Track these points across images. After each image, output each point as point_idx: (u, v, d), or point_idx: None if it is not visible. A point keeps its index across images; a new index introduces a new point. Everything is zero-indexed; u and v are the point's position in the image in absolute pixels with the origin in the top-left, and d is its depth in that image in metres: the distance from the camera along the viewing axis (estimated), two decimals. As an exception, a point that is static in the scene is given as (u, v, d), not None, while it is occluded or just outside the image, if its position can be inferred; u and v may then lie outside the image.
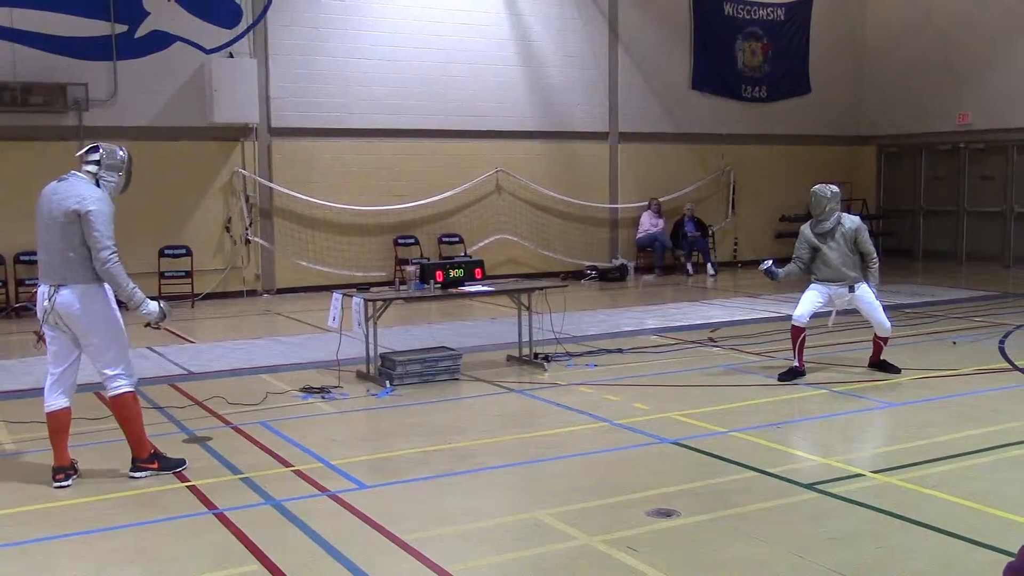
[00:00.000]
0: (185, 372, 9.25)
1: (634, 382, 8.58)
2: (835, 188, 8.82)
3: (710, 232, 18.89)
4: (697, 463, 6.25)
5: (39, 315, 5.87)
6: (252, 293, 15.28)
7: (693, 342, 10.69)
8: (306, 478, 6.00)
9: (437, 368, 8.78)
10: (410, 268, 9.25)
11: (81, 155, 5.99)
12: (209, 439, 6.91)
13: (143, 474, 6.03)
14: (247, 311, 13.85)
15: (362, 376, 8.91)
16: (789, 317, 10.12)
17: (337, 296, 8.90)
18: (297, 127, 15.45)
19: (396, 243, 16.25)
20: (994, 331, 11.08)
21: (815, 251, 8.76)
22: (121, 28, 14.18)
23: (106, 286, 5.88)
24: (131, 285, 5.92)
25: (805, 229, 8.88)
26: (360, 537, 5.01)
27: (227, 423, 7.36)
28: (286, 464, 6.29)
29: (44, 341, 5.93)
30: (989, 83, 18.66)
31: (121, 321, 6.03)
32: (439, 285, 9.02)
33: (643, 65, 18.51)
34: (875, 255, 8.79)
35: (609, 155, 18.35)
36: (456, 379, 8.80)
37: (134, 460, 6.08)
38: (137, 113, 14.33)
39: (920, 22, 19.83)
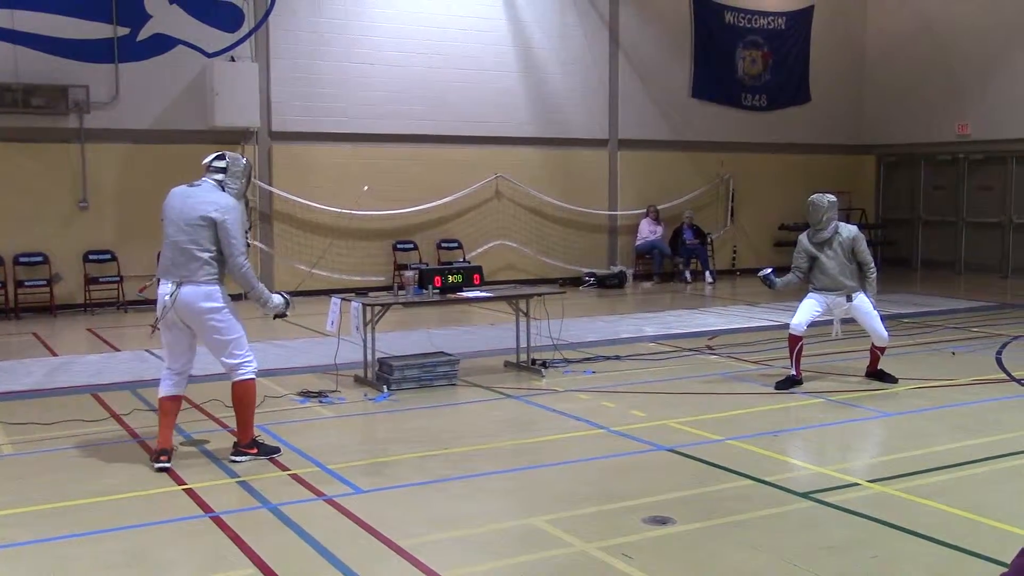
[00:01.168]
0: (183, 375, 9.24)
1: (631, 389, 8.59)
2: (832, 197, 8.83)
3: (709, 240, 18.91)
4: (693, 471, 6.26)
5: (158, 310, 6.24)
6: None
7: (691, 350, 10.70)
8: (303, 482, 6.00)
9: (435, 373, 8.79)
10: (409, 273, 9.26)
11: (208, 163, 6.44)
12: (206, 442, 6.92)
13: (244, 458, 6.38)
14: (245, 315, 13.81)
15: (360, 381, 8.92)
16: (787, 326, 10.15)
17: (336, 301, 8.90)
18: (297, 131, 15.48)
19: (395, 248, 16.27)
20: (991, 342, 11.09)
21: (813, 260, 8.78)
22: (123, 31, 14.21)
23: (222, 285, 6.27)
24: (260, 286, 6.46)
25: (803, 239, 8.90)
26: (356, 542, 5.02)
27: (224, 427, 7.35)
28: (283, 468, 6.29)
29: (158, 330, 6.35)
30: (988, 94, 18.71)
31: (237, 314, 6.40)
32: (437, 290, 9.03)
33: (643, 72, 18.54)
34: (873, 265, 8.81)
35: (608, 162, 18.38)
36: (454, 385, 8.81)
37: (236, 445, 6.45)
38: (138, 116, 14.35)
39: (920, 32, 19.88)
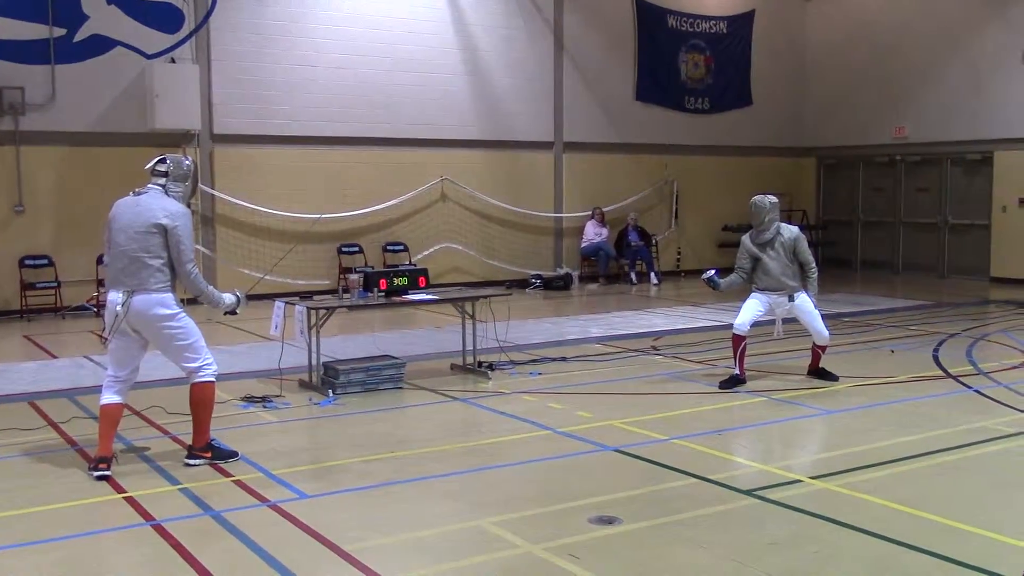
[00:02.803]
0: (123, 381, 9.08)
1: (577, 390, 8.62)
2: (774, 199, 8.95)
3: (653, 241, 19.06)
4: (639, 470, 6.30)
5: (108, 320, 6.19)
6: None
7: (636, 350, 10.77)
8: (247, 488, 5.93)
9: (380, 377, 8.74)
10: (353, 276, 9.19)
11: (151, 167, 6.37)
12: (147, 449, 6.80)
13: (198, 462, 6.35)
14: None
15: (304, 385, 8.84)
16: (731, 326, 10.22)
17: (280, 304, 8.81)
18: (240, 134, 15.30)
19: (340, 251, 16.16)
20: (929, 340, 11.32)
21: (755, 261, 8.88)
22: (60, 32, 13.94)
23: (174, 291, 6.24)
24: (209, 288, 6.42)
25: (745, 239, 9.00)
26: (301, 547, 4.96)
27: (166, 433, 7.25)
28: (226, 474, 6.21)
29: (109, 340, 6.29)
30: (925, 97, 19.11)
31: (191, 317, 6.37)
32: (383, 293, 8.98)
33: (588, 75, 18.64)
34: (814, 264, 8.94)
35: (554, 164, 18.44)
36: (400, 388, 8.77)
37: (191, 448, 6.42)
38: (76, 118, 14.08)
39: (858, 37, 20.25)
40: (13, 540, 5.09)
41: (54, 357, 10.56)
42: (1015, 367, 9.63)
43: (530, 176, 18.08)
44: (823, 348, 9.02)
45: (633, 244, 18.43)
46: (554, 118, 18.35)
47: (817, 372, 9.07)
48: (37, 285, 13.72)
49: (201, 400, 6.37)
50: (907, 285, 17.78)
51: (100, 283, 14.01)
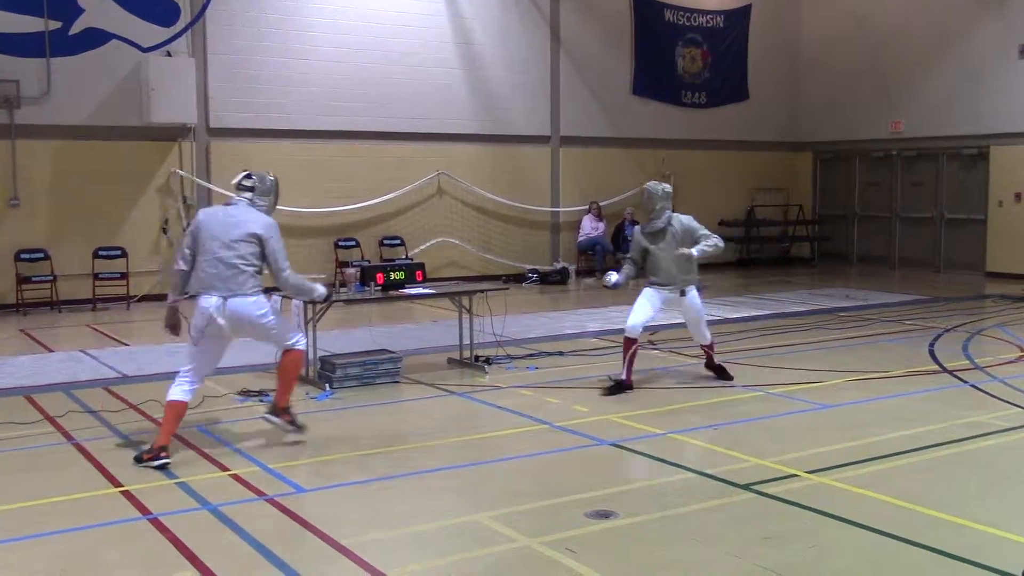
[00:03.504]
0: (120, 375, 9.09)
1: (574, 384, 8.63)
2: (668, 187, 8.56)
3: (650, 236, 19.03)
4: (636, 465, 6.31)
5: (199, 322, 6.51)
6: (190, 296, 15.02)
7: (633, 345, 10.76)
8: (243, 482, 5.93)
9: (377, 371, 8.74)
10: (350, 270, 9.19)
11: (237, 182, 6.78)
12: (143, 443, 6.78)
13: (277, 421, 6.81)
14: (184, 314, 13.60)
15: (301, 379, 8.81)
16: (726, 321, 10.30)
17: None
18: (236, 128, 15.27)
19: (336, 245, 16.14)
20: (924, 334, 11.34)
21: (645, 252, 8.53)
22: (55, 24, 13.89)
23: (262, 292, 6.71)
24: (307, 284, 6.99)
25: (637, 230, 8.68)
26: (298, 541, 4.97)
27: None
28: (223, 468, 6.21)
29: (175, 331, 6.85)
30: (921, 92, 19.11)
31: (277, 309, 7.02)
32: (379, 287, 8.98)
33: (584, 70, 18.63)
34: (717, 237, 8.50)
35: (551, 159, 18.43)
36: (396, 382, 8.77)
37: (274, 406, 6.84)
38: (71, 112, 14.04)
39: (854, 32, 20.24)
40: (9, 534, 5.09)
41: (50, 351, 10.55)
42: (1010, 362, 9.65)
43: (527, 170, 18.06)
44: (711, 348, 8.76)
45: (630, 238, 18.38)
46: (551, 112, 18.34)
47: (714, 368, 8.77)
48: (33, 279, 13.70)
49: (292, 364, 6.80)
50: (903, 280, 17.80)
51: (96, 276, 14.00)
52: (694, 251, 8.33)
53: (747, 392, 8.38)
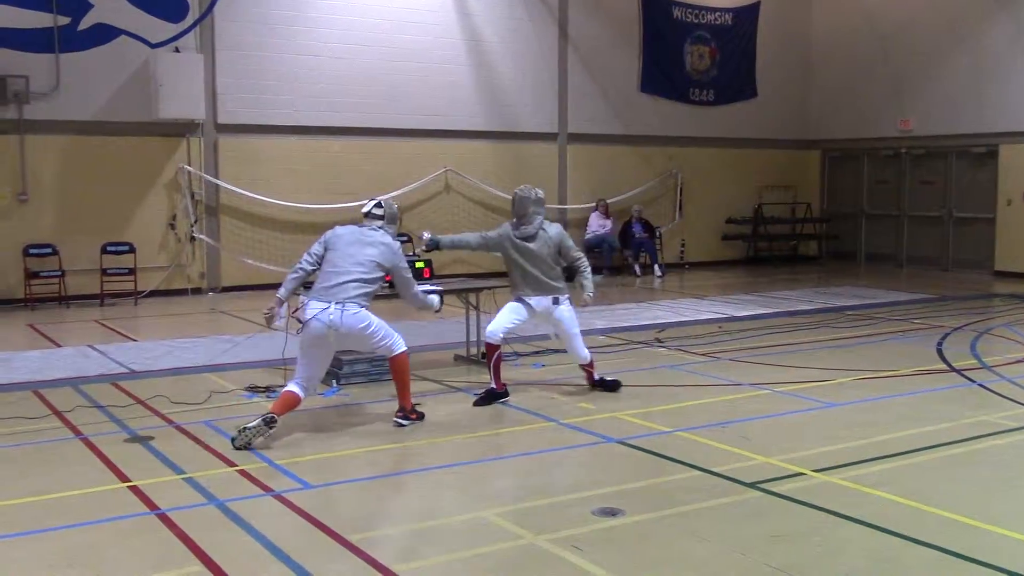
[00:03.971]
0: (127, 371, 9.11)
1: (580, 382, 8.61)
2: (541, 193, 8.17)
3: (657, 233, 19.04)
4: (642, 462, 6.31)
5: (312, 326, 6.84)
6: (197, 291, 15.09)
7: (640, 342, 10.77)
8: (250, 478, 5.94)
9: (384, 367, 8.70)
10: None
11: (368, 211, 7.34)
12: (151, 439, 6.81)
13: (408, 423, 7.15)
14: (192, 309, 13.68)
15: (308, 375, 8.83)
16: (735, 319, 10.27)
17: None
18: (244, 123, 15.28)
19: (344, 242, 16.12)
20: (932, 333, 11.31)
21: (511, 260, 8.04)
22: (64, 20, 13.91)
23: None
24: (429, 298, 7.64)
25: (507, 226, 8.13)
26: (305, 537, 4.98)
27: (170, 422, 7.26)
28: (230, 464, 6.22)
29: (274, 317, 7.08)
30: (930, 90, 19.05)
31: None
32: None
33: (592, 67, 18.60)
34: (584, 258, 8.19)
35: (558, 156, 18.41)
36: (403, 379, 8.76)
37: (401, 409, 7.21)
38: (80, 107, 14.07)
39: (864, 30, 20.19)
40: (18, 529, 5.11)
41: (58, 346, 10.58)
42: (1019, 361, 9.62)
43: (534, 167, 18.03)
44: (590, 367, 8.28)
45: (637, 236, 18.42)
46: (558, 109, 18.32)
47: (597, 383, 8.27)
48: (41, 274, 13.73)
49: (401, 368, 7.18)
50: (911, 278, 17.75)
51: (104, 272, 14.04)
52: (589, 294, 8.05)
53: (754, 390, 8.37)
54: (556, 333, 8.29)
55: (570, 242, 8.19)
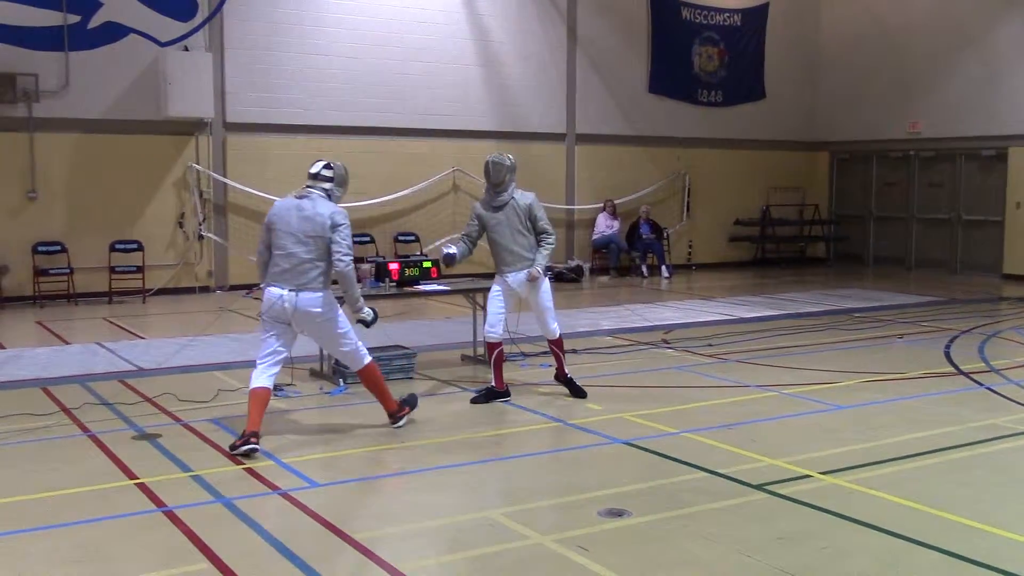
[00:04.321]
0: (135, 368, 9.13)
1: (588, 383, 8.59)
2: (512, 158, 8.05)
3: (665, 234, 19.02)
4: (649, 463, 6.30)
5: (269, 312, 6.63)
6: (205, 289, 15.12)
7: (647, 343, 10.76)
8: (257, 476, 5.95)
9: (391, 367, 8.75)
10: (365, 266, 9.21)
11: (316, 172, 6.84)
12: (159, 436, 6.83)
13: (403, 421, 7.08)
14: (199, 307, 13.70)
15: (315, 374, 8.86)
16: (742, 320, 10.23)
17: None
18: (252, 122, 15.31)
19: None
20: (940, 336, 11.28)
21: (483, 229, 8.00)
22: (74, 18, 13.96)
23: (330, 291, 6.77)
24: (359, 289, 6.99)
25: (477, 205, 8.09)
26: (311, 536, 4.99)
27: (177, 420, 7.28)
28: (237, 462, 6.23)
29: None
30: (939, 93, 19.01)
31: (343, 313, 6.94)
32: (394, 284, 9.00)
33: (601, 67, 18.60)
34: (553, 235, 7.98)
35: (566, 156, 18.41)
36: (410, 378, 8.79)
37: (390, 414, 7.08)
38: (89, 105, 14.11)
39: (873, 31, 20.14)
40: (26, 525, 5.13)
41: (67, 343, 10.61)
42: (1027, 364, 9.59)
43: (542, 168, 18.02)
44: (558, 345, 8.10)
45: (645, 237, 18.40)
46: (566, 109, 18.32)
47: (565, 381, 8.10)
48: (50, 271, 13.77)
49: (372, 377, 7.03)
50: (919, 281, 17.71)
51: (112, 270, 14.08)
52: (540, 267, 7.84)
53: (761, 392, 8.36)
54: (530, 306, 8.08)
55: (540, 212, 7.93)
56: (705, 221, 19.95)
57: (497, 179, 7.88)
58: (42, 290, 13.76)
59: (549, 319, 8.00)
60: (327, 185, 6.79)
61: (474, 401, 7.90)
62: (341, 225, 6.62)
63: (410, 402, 7.27)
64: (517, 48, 17.62)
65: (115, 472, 6.02)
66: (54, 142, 13.96)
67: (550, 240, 7.93)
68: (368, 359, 7.00)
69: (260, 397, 6.56)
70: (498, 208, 7.88)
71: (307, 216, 6.60)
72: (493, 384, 7.93)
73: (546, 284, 7.99)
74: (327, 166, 6.87)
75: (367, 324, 6.94)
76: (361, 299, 6.91)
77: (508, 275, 7.92)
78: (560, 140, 18.33)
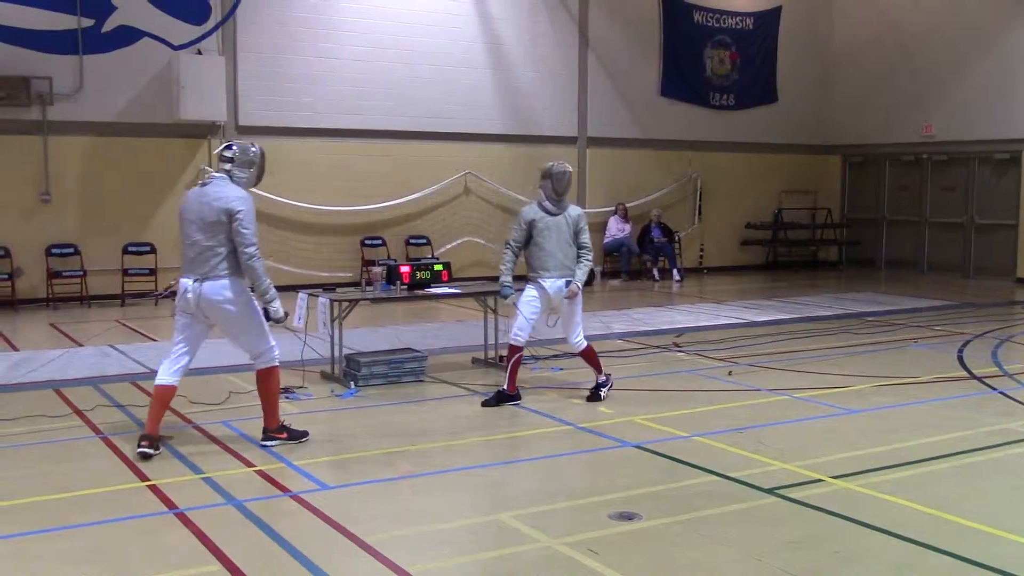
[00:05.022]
0: (147, 370, 9.14)
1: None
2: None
3: (676, 238, 18.99)
4: (659, 467, 6.29)
5: (179, 304, 6.46)
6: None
7: (658, 347, 10.75)
8: (268, 478, 5.97)
9: (402, 370, 8.76)
10: (376, 269, 9.23)
11: (218, 153, 6.58)
12: (171, 438, 6.85)
13: (275, 443, 6.63)
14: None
15: (327, 377, 8.88)
16: (753, 323, 10.20)
17: (303, 296, 8.86)
18: (264, 126, 15.34)
19: (363, 244, 16.21)
20: (953, 340, 11.23)
21: (530, 239, 8.00)
22: (88, 22, 14.03)
23: (241, 278, 6.45)
24: (267, 281, 6.45)
25: (531, 211, 8.05)
26: (321, 538, 4.99)
27: (189, 422, 7.30)
28: (248, 464, 6.25)
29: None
30: (952, 96, 18.93)
31: (258, 306, 6.58)
32: (405, 286, 9.01)
33: (612, 70, 18.60)
34: (591, 250, 8.13)
35: (577, 160, 18.38)
36: (421, 381, 8.79)
37: (265, 430, 6.68)
38: (103, 108, 14.19)
39: (885, 34, 20.08)
40: (39, 526, 5.15)
41: (79, 345, 10.66)
42: (1041, 369, 9.54)
43: (553, 171, 18.03)
44: (587, 356, 8.16)
45: (656, 240, 18.38)
46: (578, 113, 18.32)
47: (596, 395, 8.08)
48: (63, 274, 13.84)
49: (267, 384, 6.64)
50: (932, 285, 17.63)
51: (125, 272, 14.14)
52: (579, 283, 7.94)
53: (773, 396, 8.34)
54: (558, 316, 8.11)
55: (585, 226, 8.12)
56: (717, 224, 19.91)
57: (561, 188, 8.02)
58: (55, 292, 13.83)
59: (576, 331, 8.09)
60: (227, 166, 6.46)
61: (485, 404, 7.89)
62: (239, 212, 6.24)
63: (296, 435, 6.71)
64: (528, 51, 17.63)
65: (127, 474, 6.04)
66: (68, 145, 14.04)
67: (589, 256, 8.09)
68: (274, 363, 6.62)
69: (161, 396, 6.44)
70: (554, 214, 8.00)
71: (206, 201, 6.32)
72: (505, 387, 7.93)
73: (580, 297, 8.07)
74: (228, 146, 6.54)
75: (271, 319, 6.51)
76: (271, 292, 6.43)
77: (546, 280, 7.95)
78: (571, 143, 18.33)
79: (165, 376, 6.47)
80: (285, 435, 6.68)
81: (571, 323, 8.08)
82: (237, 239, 6.28)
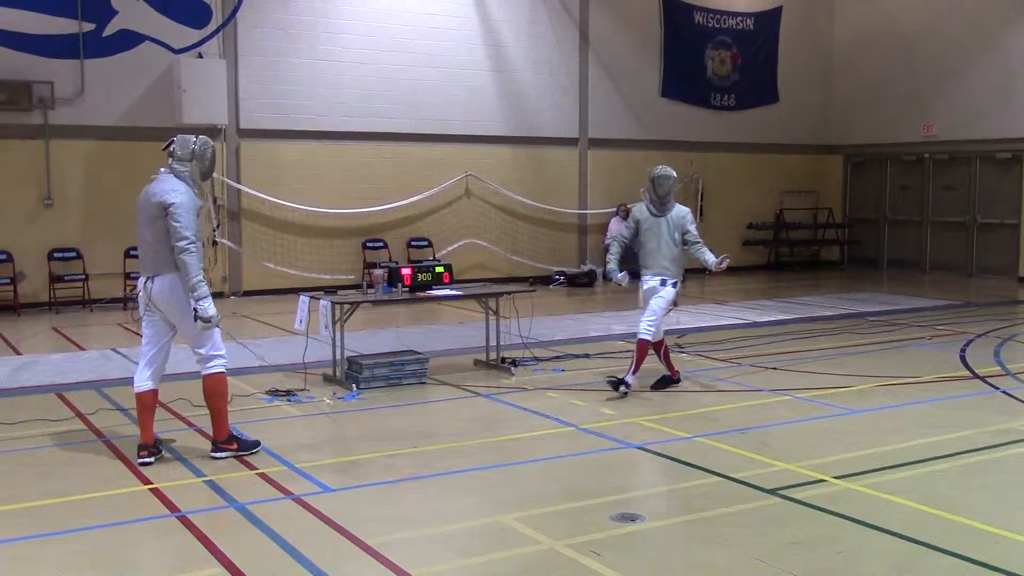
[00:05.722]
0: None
1: (600, 387, 8.60)
2: (675, 172, 8.52)
3: (678, 239, 18.96)
4: (662, 468, 6.29)
5: (139, 304, 6.41)
6: (219, 295, 15.16)
7: (660, 348, 10.72)
8: (271, 481, 5.97)
9: (404, 372, 8.77)
10: (378, 271, 9.23)
11: (164, 147, 6.50)
12: (173, 441, 6.85)
13: (224, 454, 6.40)
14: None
15: (329, 379, 8.88)
16: (755, 324, 10.14)
17: (304, 299, 8.86)
18: (266, 129, 15.37)
19: (364, 246, 16.21)
20: (956, 340, 11.22)
21: (636, 234, 8.42)
22: (89, 26, 14.05)
23: None
24: (199, 278, 6.15)
25: (640, 211, 8.41)
26: (324, 540, 5.00)
27: (191, 425, 7.31)
28: (250, 467, 6.25)
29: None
30: (953, 95, 18.93)
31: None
32: (407, 289, 9.01)
33: (613, 72, 18.60)
34: (701, 244, 8.42)
35: (579, 161, 18.41)
36: (423, 383, 8.79)
37: (215, 441, 6.46)
38: (104, 112, 14.20)
39: (886, 34, 20.08)
40: (41, 529, 5.15)
41: (82, 349, 10.67)
42: (1043, 368, 9.53)
43: (555, 172, 18.06)
44: (658, 347, 8.55)
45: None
46: (579, 114, 18.32)
47: (664, 376, 8.64)
48: (65, 278, 13.86)
49: (214, 391, 6.42)
50: (934, 284, 17.63)
51: (127, 275, 14.14)
52: (713, 262, 8.32)
53: (775, 396, 8.33)
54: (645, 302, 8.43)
55: (693, 225, 8.38)
56: (718, 225, 19.88)
57: (664, 190, 8.32)
58: (58, 296, 13.84)
59: (652, 321, 8.29)
60: (169, 160, 6.38)
61: (654, 387, 8.47)
62: (172, 204, 6.11)
63: (247, 446, 6.49)
64: (529, 53, 17.64)
65: (129, 477, 6.04)
66: (69, 149, 14.05)
67: (702, 246, 8.39)
68: (220, 370, 6.39)
69: (143, 403, 6.36)
70: (657, 216, 8.33)
71: (147, 198, 6.30)
72: (667, 372, 8.57)
73: (666, 291, 8.33)
74: (171, 141, 6.44)
75: (198, 318, 6.15)
76: (201, 289, 6.10)
77: (645, 275, 8.40)
78: (573, 145, 18.34)
79: (141, 382, 6.38)
80: (235, 446, 6.45)
81: (651, 311, 8.32)
82: (171, 231, 6.12)
